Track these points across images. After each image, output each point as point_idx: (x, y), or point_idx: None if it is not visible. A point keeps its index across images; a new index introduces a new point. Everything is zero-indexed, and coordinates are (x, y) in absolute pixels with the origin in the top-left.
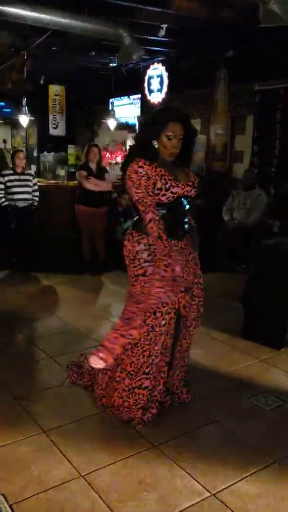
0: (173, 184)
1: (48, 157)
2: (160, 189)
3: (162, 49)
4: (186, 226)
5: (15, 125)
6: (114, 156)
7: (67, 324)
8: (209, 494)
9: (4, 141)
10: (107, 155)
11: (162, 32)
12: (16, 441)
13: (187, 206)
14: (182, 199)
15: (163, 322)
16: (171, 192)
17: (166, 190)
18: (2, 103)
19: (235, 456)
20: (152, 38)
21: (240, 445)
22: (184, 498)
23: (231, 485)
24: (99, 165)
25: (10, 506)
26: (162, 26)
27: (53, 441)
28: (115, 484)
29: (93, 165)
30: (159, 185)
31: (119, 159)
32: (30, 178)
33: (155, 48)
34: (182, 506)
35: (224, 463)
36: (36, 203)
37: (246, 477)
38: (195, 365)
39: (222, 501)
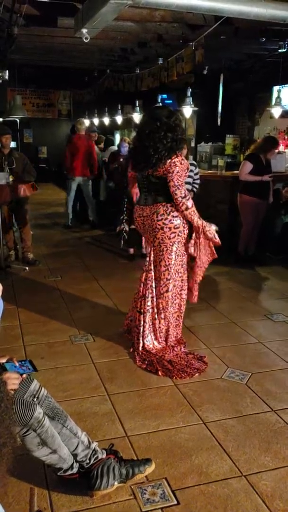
0: None
1: (205, 147)
2: None
3: None
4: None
5: None
6: None
7: (223, 317)
8: None
9: None
10: None
11: None
12: (176, 428)
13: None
14: None
15: None
16: None
17: None
18: (165, 95)
19: None
20: None
21: None
22: None
23: None
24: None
25: (173, 492)
26: None
27: (213, 434)
28: (280, 492)
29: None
30: None
31: (281, 148)
32: (193, 168)
33: None
34: None
35: None
36: (195, 190)
37: None
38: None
39: None
